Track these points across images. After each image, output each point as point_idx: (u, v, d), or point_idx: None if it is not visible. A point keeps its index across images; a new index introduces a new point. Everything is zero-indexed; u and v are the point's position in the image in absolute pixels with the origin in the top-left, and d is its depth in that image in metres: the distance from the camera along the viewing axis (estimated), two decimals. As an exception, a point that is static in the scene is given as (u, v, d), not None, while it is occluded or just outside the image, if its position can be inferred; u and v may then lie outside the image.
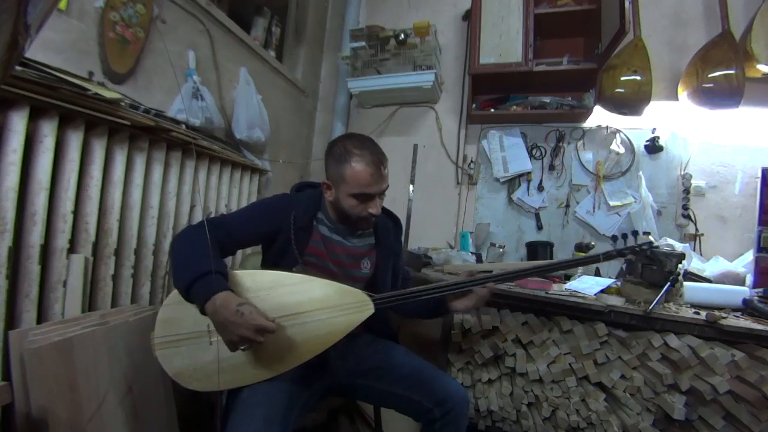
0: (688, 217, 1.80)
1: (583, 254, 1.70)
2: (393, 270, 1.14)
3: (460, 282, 0.98)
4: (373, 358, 1.04)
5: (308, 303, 0.89)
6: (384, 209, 1.11)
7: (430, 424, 0.97)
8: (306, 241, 1.03)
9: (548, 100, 1.99)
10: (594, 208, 1.96)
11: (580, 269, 1.62)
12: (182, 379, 0.87)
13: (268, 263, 1.06)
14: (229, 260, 1.67)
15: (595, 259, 1.05)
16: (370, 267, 1.10)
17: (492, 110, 2.11)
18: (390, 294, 0.95)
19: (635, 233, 1.12)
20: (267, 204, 1.07)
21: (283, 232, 1.01)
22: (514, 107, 2.06)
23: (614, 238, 1.13)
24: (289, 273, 0.95)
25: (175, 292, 0.87)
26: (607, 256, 1.06)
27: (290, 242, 1.00)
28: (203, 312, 0.80)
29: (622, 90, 1.67)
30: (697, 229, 1.78)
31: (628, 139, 1.95)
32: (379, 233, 1.12)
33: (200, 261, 0.84)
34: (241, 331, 0.76)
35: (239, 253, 1.70)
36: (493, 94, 2.15)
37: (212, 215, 1.52)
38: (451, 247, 2.09)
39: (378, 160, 0.96)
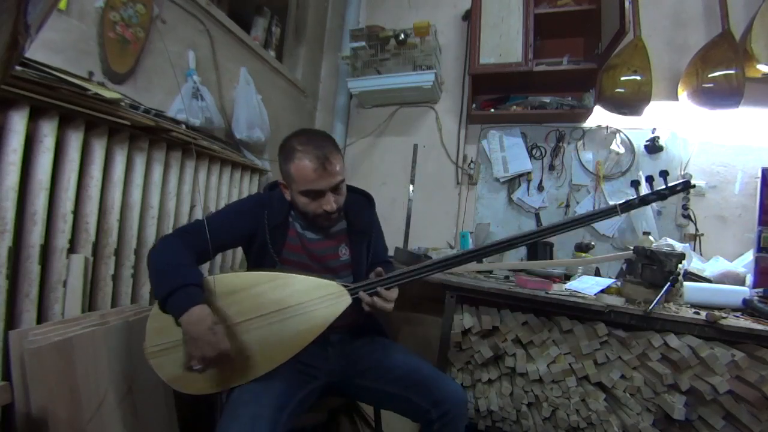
0: (688, 217, 1.80)
1: (584, 254, 1.71)
2: (367, 250, 1.12)
3: (430, 263, 0.96)
4: (370, 358, 1.04)
5: (285, 300, 0.90)
6: (352, 188, 1.09)
7: (429, 425, 0.96)
8: (283, 239, 1.02)
9: (548, 100, 1.99)
10: (594, 208, 1.96)
11: (580, 269, 1.62)
12: (177, 385, 0.88)
13: (250, 264, 1.06)
14: (228, 260, 1.67)
15: (612, 210, 0.92)
16: (349, 253, 1.09)
17: (492, 110, 2.11)
18: (365, 282, 0.94)
19: (663, 174, 0.93)
20: (240, 206, 1.07)
21: (259, 233, 1.01)
22: (514, 107, 2.06)
23: (634, 183, 0.97)
24: (264, 272, 0.94)
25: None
26: (627, 206, 0.92)
27: (267, 242, 1.00)
28: (178, 324, 0.81)
29: (622, 90, 1.67)
30: (697, 229, 1.78)
31: (628, 139, 1.95)
32: (350, 216, 1.09)
33: (176, 272, 0.84)
34: (207, 350, 0.77)
35: (239, 253, 1.70)
36: (493, 94, 2.15)
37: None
38: (451, 247, 2.09)
39: (323, 154, 0.92)
